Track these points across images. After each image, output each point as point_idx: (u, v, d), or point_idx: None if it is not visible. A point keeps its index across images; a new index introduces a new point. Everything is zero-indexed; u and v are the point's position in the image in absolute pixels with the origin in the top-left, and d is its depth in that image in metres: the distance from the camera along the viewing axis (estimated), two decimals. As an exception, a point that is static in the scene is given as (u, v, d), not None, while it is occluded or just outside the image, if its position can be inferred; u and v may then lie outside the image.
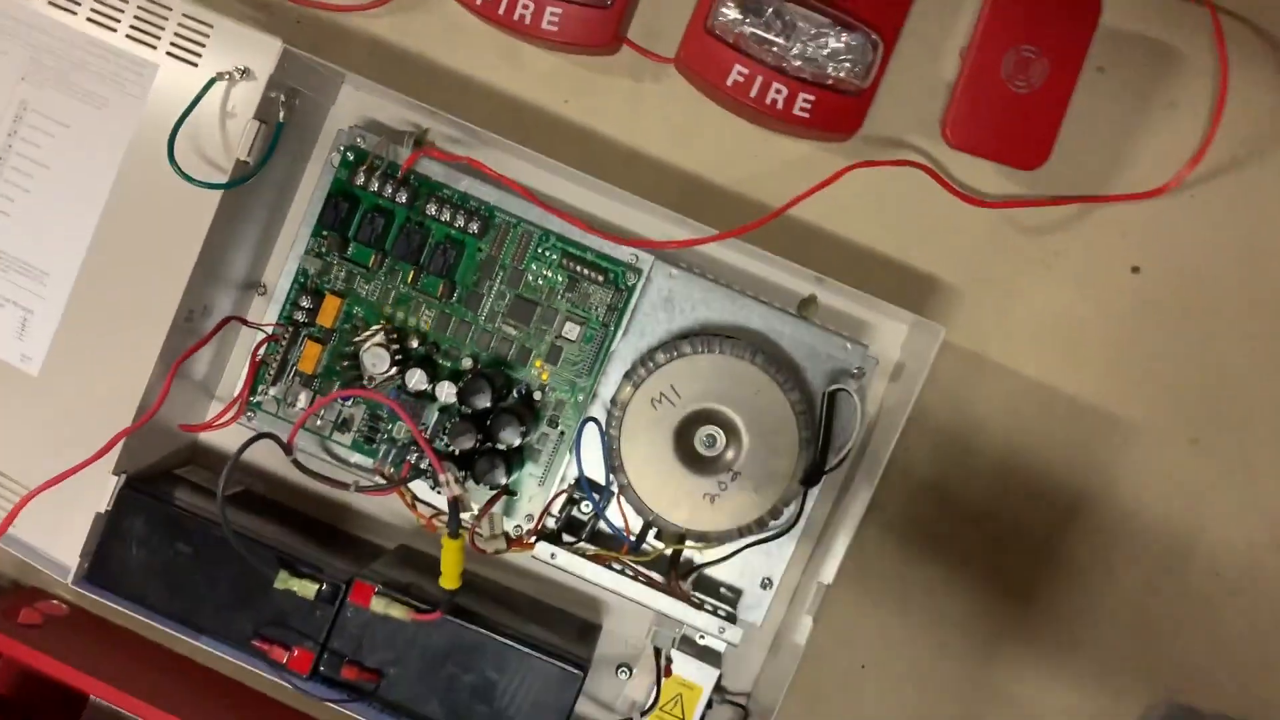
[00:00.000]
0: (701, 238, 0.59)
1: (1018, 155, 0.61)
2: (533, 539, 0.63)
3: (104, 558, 0.60)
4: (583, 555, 0.62)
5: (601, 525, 0.64)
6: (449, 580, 0.56)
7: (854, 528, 0.59)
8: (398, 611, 0.58)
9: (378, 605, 0.58)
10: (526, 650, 0.59)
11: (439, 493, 0.62)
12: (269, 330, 0.63)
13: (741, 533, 0.62)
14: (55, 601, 0.69)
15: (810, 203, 0.63)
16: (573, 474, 0.64)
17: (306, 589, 0.58)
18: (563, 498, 0.64)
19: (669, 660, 0.64)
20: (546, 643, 0.60)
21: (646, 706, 0.64)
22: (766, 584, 0.65)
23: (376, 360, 0.62)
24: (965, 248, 0.64)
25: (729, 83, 0.62)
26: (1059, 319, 0.64)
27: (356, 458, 0.64)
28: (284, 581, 0.58)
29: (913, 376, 0.61)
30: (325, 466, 0.64)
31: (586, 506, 0.64)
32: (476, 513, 0.63)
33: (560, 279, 0.63)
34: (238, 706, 0.66)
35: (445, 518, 0.64)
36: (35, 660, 0.60)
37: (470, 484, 0.61)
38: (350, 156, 0.62)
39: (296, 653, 0.59)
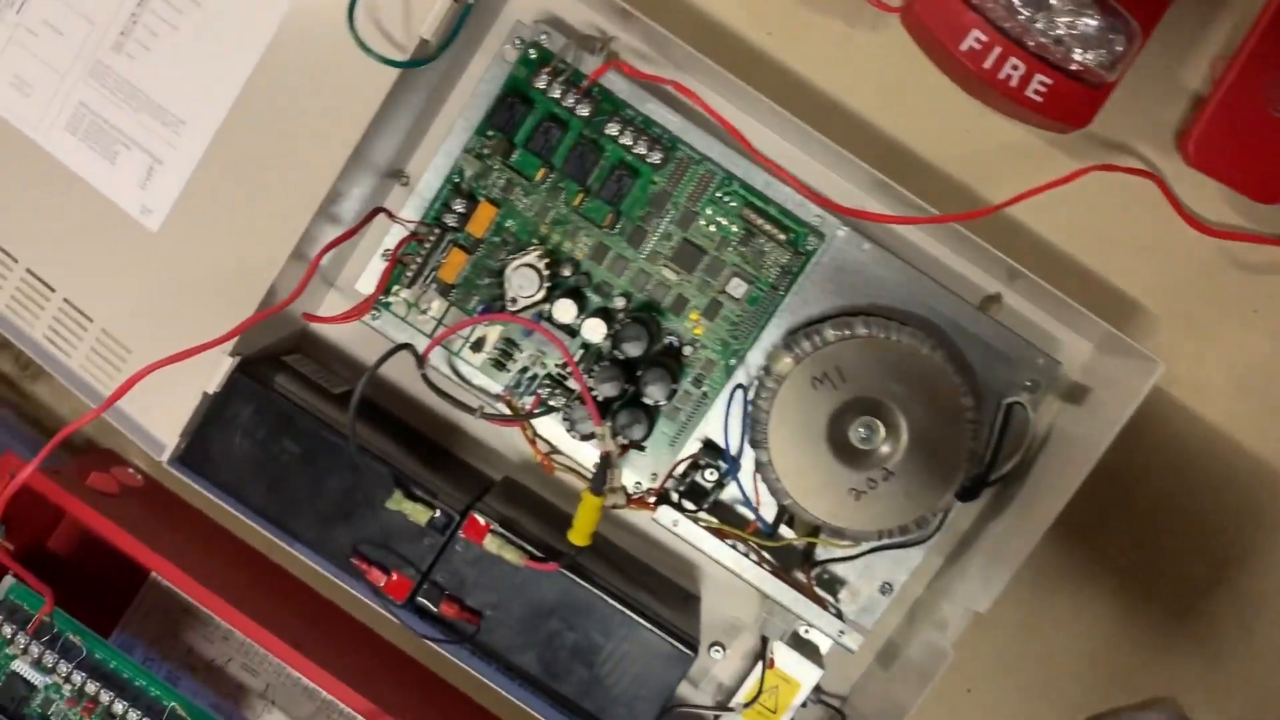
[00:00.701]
0: (913, 216, 0.53)
1: (1259, 186, 0.56)
2: (653, 500, 0.59)
3: (204, 441, 0.56)
4: (706, 527, 0.58)
5: (723, 499, 0.60)
6: (579, 536, 0.52)
7: (1023, 556, 0.54)
8: (511, 555, 0.54)
9: (491, 544, 0.54)
10: (639, 620, 0.55)
11: (574, 437, 0.58)
12: (414, 229, 0.58)
13: (881, 535, 0.58)
14: (131, 471, 0.64)
15: (1012, 192, 0.57)
16: (709, 438, 0.59)
17: (419, 514, 0.54)
18: (686, 462, 0.59)
19: (773, 652, 0.60)
20: (659, 615, 0.56)
21: (738, 692, 0.61)
22: (886, 589, 0.61)
23: (525, 283, 0.57)
24: (1175, 274, 0.59)
25: (962, 47, 0.56)
26: (1257, 368, 0.59)
27: (483, 380, 0.59)
28: (397, 502, 0.54)
29: (1101, 405, 0.56)
30: (450, 386, 0.59)
31: (711, 475, 0.59)
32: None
33: (736, 229, 0.57)
34: (306, 613, 0.63)
35: (562, 456, 0.60)
36: (101, 526, 0.56)
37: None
38: (532, 55, 0.56)
39: (395, 577, 0.55)
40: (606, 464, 0.49)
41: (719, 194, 0.57)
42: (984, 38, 0.55)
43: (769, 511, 0.59)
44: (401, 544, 0.55)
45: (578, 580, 0.55)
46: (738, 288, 0.57)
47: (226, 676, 0.65)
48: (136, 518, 0.60)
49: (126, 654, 0.63)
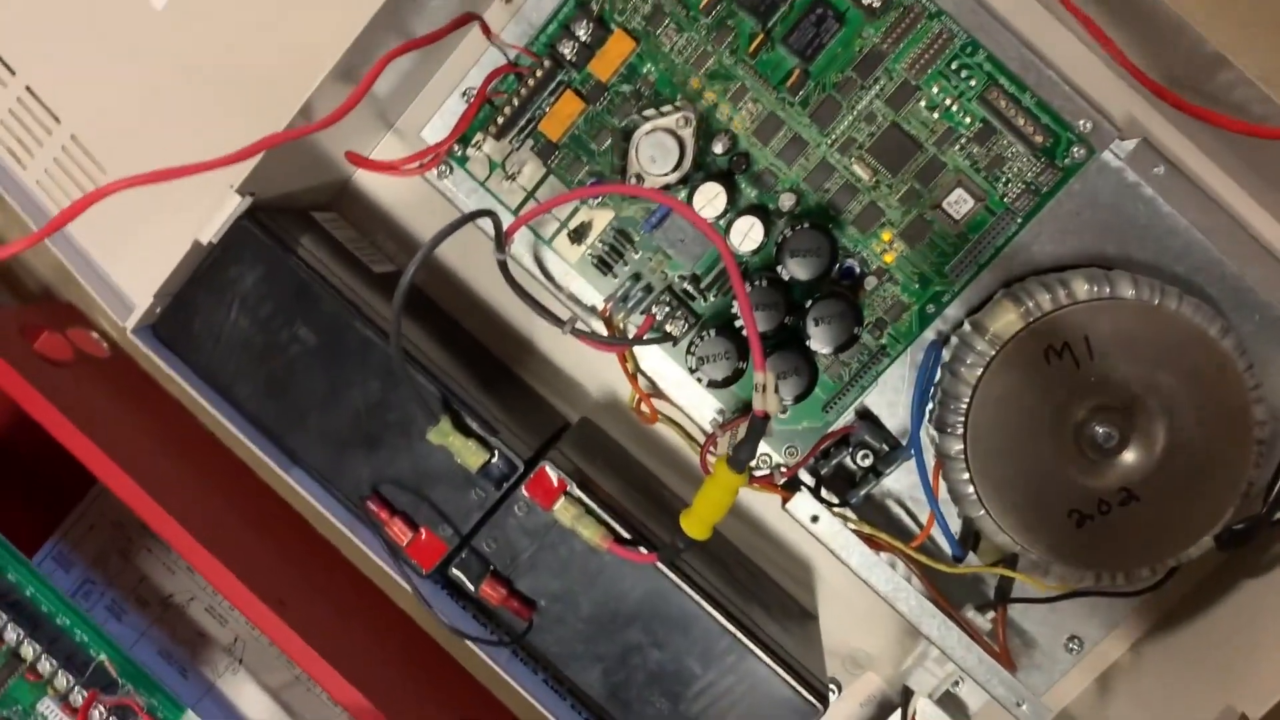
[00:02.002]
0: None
1: None
2: (783, 482, 0.43)
3: (188, 309, 0.40)
4: (856, 532, 0.42)
5: (885, 496, 0.44)
6: (698, 526, 0.36)
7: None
8: (590, 531, 0.38)
9: (564, 512, 0.38)
10: (757, 651, 0.39)
11: (699, 380, 0.41)
12: (514, 58, 0.41)
13: (1100, 578, 0.41)
14: (95, 336, 0.49)
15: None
16: (869, 409, 0.43)
17: (471, 454, 0.38)
18: (837, 438, 0.43)
19: (915, 711, 0.44)
20: (783, 646, 0.40)
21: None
22: (1073, 646, 0.45)
23: (659, 154, 0.40)
24: None
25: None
26: None
27: (578, 284, 0.43)
28: (442, 434, 0.38)
29: None
30: (533, 285, 0.43)
31: (865, 459, 0.43)
32: (723, 421, 0.43)
33: (970, 120, 0.40)
34: (300, 557, 0.47)
35: (666, 404, 0.43)
36: (35, 406, 0.41)
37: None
38: None
39: (424, 535, 0.39)
40: (761, 430, 0.33)
41: (954, 66, 0.40)
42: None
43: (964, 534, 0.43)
44: (439, 491, 0.39)
45: (678, 582, 0.39)
46: (960, 203, 0.40)
47: (186, 619, 0.50)
48: (88, 400, 0.44)
49: (60, 572, 0.48)
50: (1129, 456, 0.40)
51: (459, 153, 0.43)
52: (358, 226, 0.47)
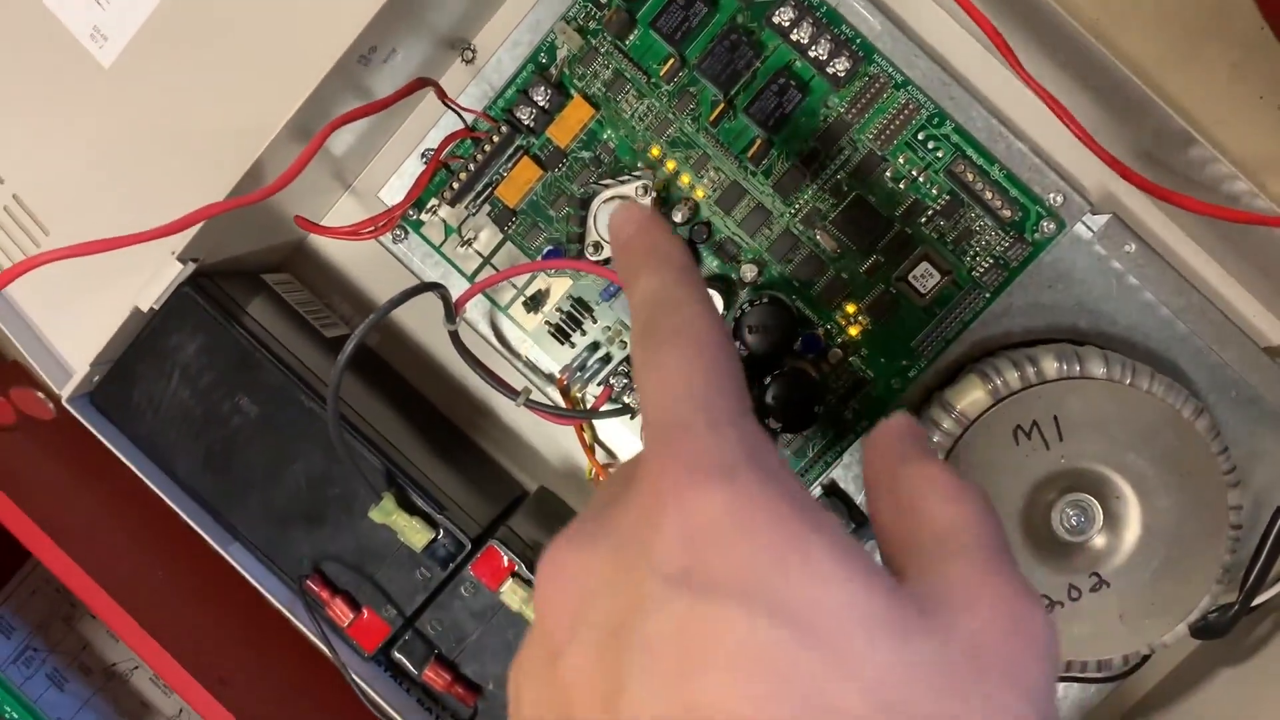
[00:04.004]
0: (1245, 211, 0.35)
1: None
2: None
3: (126, 377, 0.38)
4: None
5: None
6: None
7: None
8: (538, 615, 0.36)
9: (511, 595, 0.37)
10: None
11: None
12: (472, 122, 0.40)
13: (1071, 666, 0.40)
14: (41, 397, 0.47)
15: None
16: (836, 483, 0.41)
17: (416, 533, 0.37)
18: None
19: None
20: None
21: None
22: (1047, 730, 0.43)
23: (618, 221, 0.39)
24: None
25: (1324, -25, 0.37)
26: None
27: (534, 353, 0.42)
28: (385, 513, 0.36)
29: None
30: (488, 354, 0.42)
31: (831, 533, 0.41)
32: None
33: (939, 192, 0.39)
34: (248, 633, 0.46)
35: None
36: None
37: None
38: (682, -107, 0.38)
39: (366, 615, 0.38)
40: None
41: (921, 136, 0.39)
42: (1362, -37, 0.37)
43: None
44: (384, 570, 0.38)
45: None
46: (926, 277, 0.39)
47: (129, 689, 0.48)
48: (29, 466, 0.43)
49: (1, 638, 0.47)
50: (1099, 541, 0.38)
51: (414, 217, 0.41)
52: (312, 288, 0.46)
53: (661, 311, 0.22)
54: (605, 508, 0.20)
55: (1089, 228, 0.39)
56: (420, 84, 0.38)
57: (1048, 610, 0.24)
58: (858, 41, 0.38)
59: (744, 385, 0.21)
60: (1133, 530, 0.38)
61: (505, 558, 0.37)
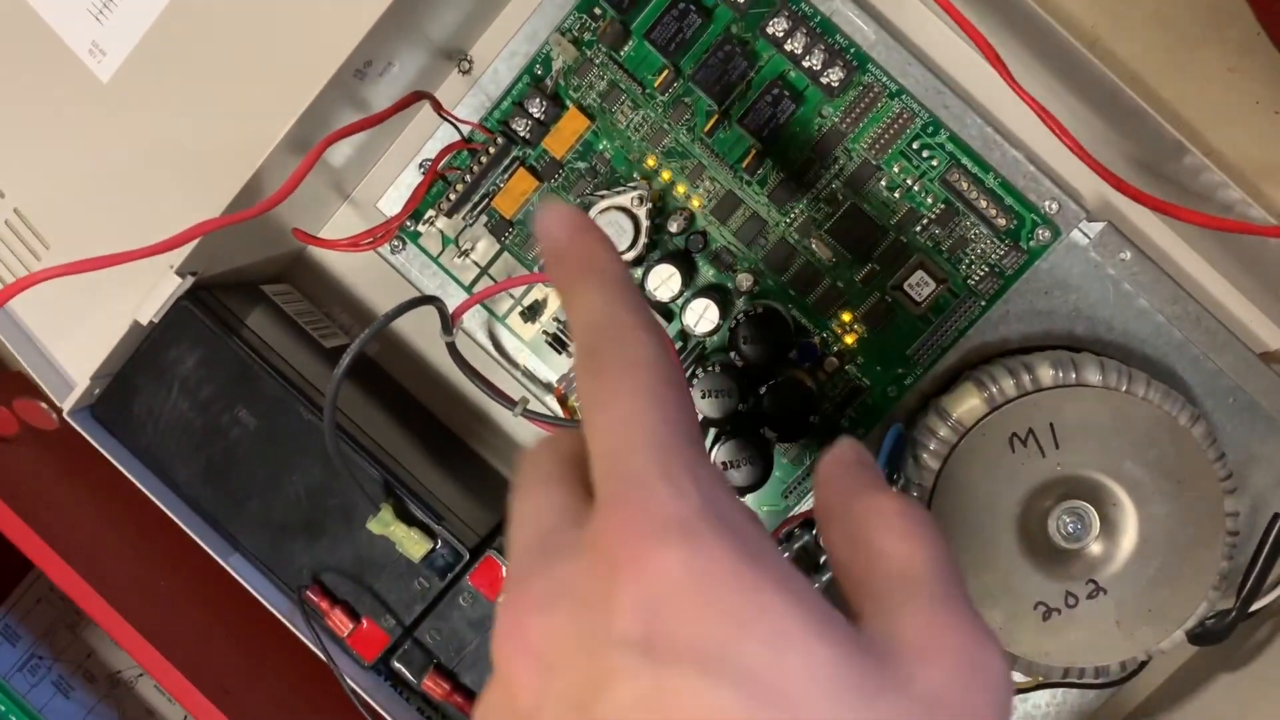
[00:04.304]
0: (1239, 221, 0.35)
1: None
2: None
3: (127, 390, 0.39)
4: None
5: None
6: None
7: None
8: (536, 625, 0.37)
9: (509, 605, 0.37)
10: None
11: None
12: (468, 134, 0.40)
13: (1068, 673, 0.40)
14: (44, 407, 0.48)
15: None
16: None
17: (414, 544, 0.37)
18: (798, 523, 0.42)
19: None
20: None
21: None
22: (1044, 735, 0.43)
23: (613, 233, 0.39)
24: None
25: (1318, -19, 0.37)
26: None
27: (532, 362, 0.42)
28: (383, 525, 0.37)
29: None
30: (486, 364, 0.42)
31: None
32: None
33: (934, 200, 0.39)
34: (250, 643, 0.46)
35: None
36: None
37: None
38: (675, -96, 0.38)
39: (365, 625, 0.38)
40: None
41: (916, 145, 0.39)
42: (1356, -30, 0.37)
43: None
44: (383, 580, 0.38)
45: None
46: (922, 285, 0.39)
47: (133, 696, 0.49)
48: (32, 477, 0.43)
49: (7, 646, 0.47)
50: (1096, 548, 0.39)
51: (412, 228, 0.42)
52: (311, 298, 0.46)
53: (606, 339, 0.21)
54: (559, 558, 0.20)
55: (1085, 234, 0.39)
56: (415, 98, 0.38)
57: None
58: (852, 51, 0.38)
59: (695, 421, 0.21)
60: (1129, 537, 0.38)
61: (503, 569, 0.37)
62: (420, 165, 0.42)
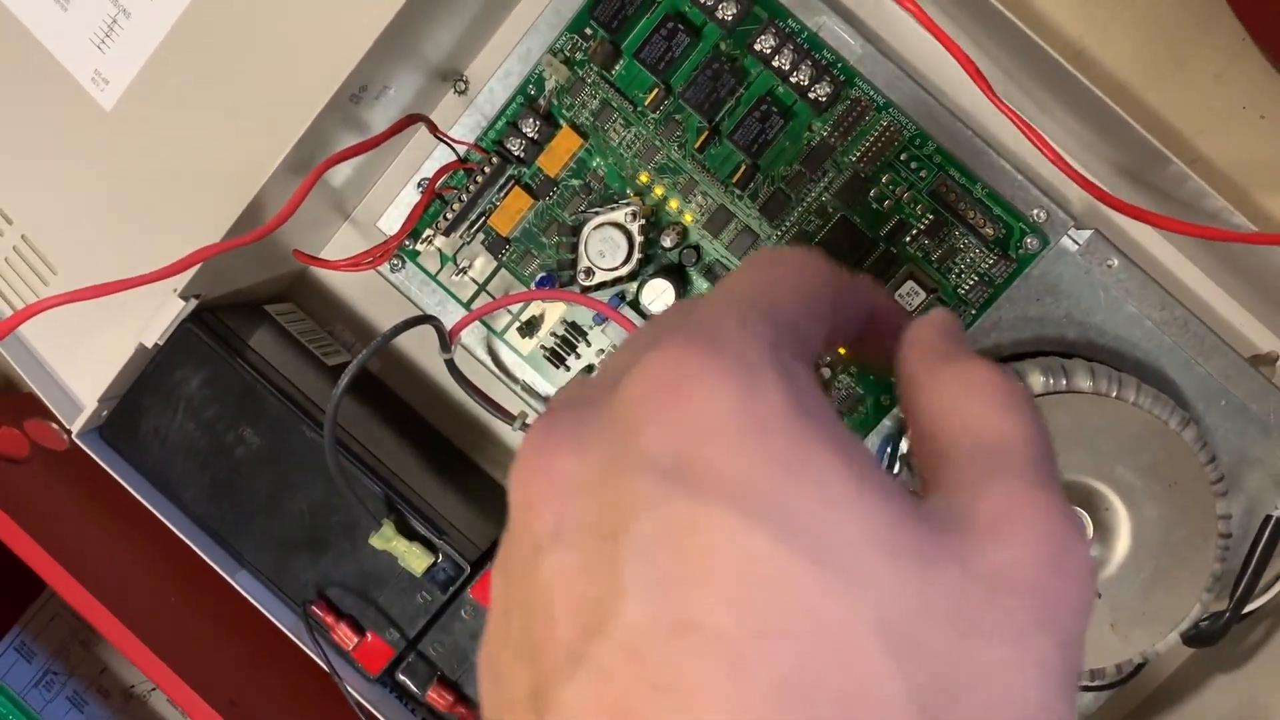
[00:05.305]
0: (1222, 229, 0.35)
1: None
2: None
3: (134, 411, 0.39)
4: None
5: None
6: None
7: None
8: (537, 636, 0.37)
9: (511, 617, 0.38)
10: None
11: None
12: (464, 154, 0.41)
13: (1064, 675, 0.40)
14: (55, 428, 0.49)
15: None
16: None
17: (416, 558, 0.38)
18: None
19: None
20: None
21: None
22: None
23: (608, 249, 0.40)
24: None
25: (1299, -12, 0.37)
26: None
27: (531, 376, 0.43)
28: (385, 540, 0.37)
29: None
30: (486, 379, 0.43)
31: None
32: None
33: (923, 211, 0.40)
34: (259, 656, 0.47)
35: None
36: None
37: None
38: (663, -75, 0.39)
39: (370, 638, 0.39)
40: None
41: (905, 158, 0.39)
42: (1337, -24, 0.37)
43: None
44: (386, 594, 0.39)
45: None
46: (912, 295, 0.40)
47: (147, 710, 0.50)
48: (43, 497, 0.44)
49: (23, 663, 0.48)
50: (1090, 552, 0.39)
51: (410, 247, 0.42)
52: (314, 316, 0.47)
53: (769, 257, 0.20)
54: (598, 391, 0.18)
55: (1074, 241, 0.40)
56: (411, 120, 0.38)
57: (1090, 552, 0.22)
58: (838, 66, 0.39)
59: (821, 312, 0.19)
60: (1123, 541, 0.39)
61: (503, 580, 0.38)
62: (418, 184, 0.43)
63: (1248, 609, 0.40)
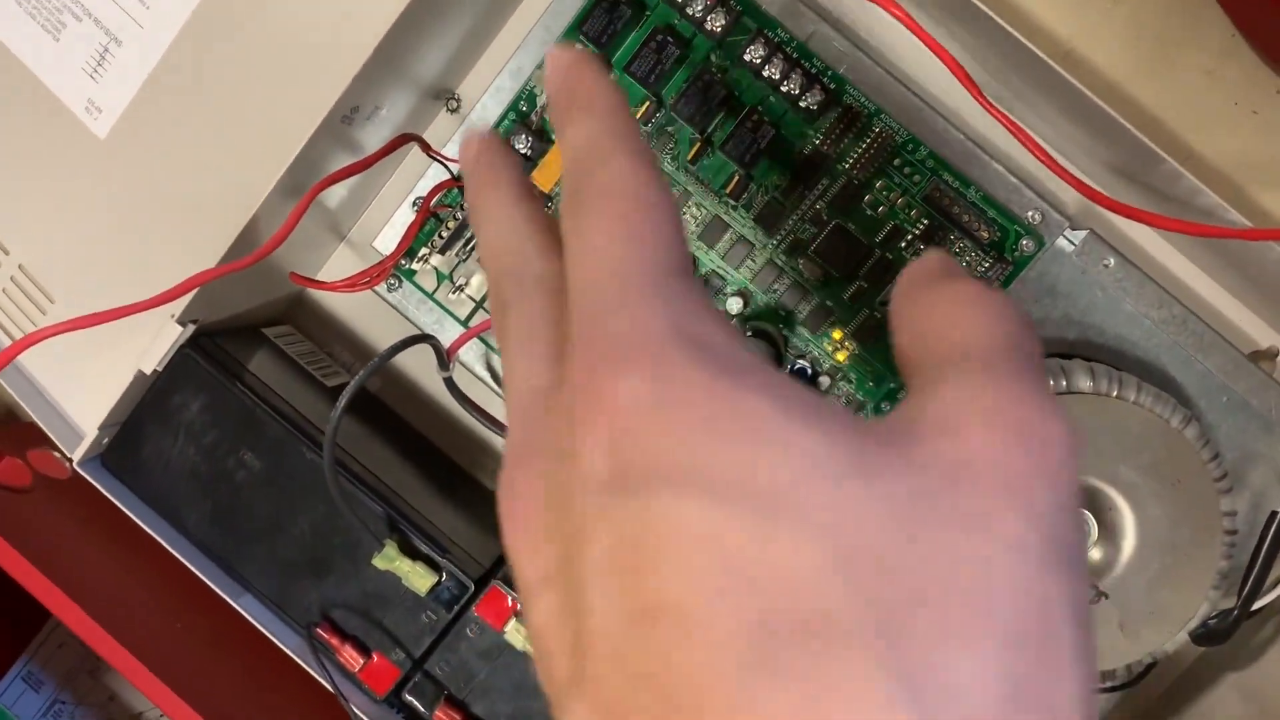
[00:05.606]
0: (1216, 226, 0.35)
1: None
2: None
3: (134, 437, 0.39)
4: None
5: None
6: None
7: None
8: (543, 653, 0.37)
9: (515, 635, 0.38)
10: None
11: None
12: (457, 171, 0.41)
13: (1074, 678, 0.40)
14: (57, 456, 0.49)
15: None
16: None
17: (420, 578, 0.37)
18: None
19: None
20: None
21: None
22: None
23: (604, 261, 0.40)
24: None
25: (1287, -17, 0.37)
26: None
27: (529, 393, 0.43)
28: (389, 560, 0.37)
29: None
30: (485, 396, 0.43)
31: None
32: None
33: (918, 215, 0.40)
34: (268, 681, 0.47)
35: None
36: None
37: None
38: (649, -62, 0.39)
39: (376, 659, 0.39)
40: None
41: (898, 164, 0.39)
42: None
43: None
44: (391, 614, 0.39)
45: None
46: (908, 302, 0.40)
47: (156, 737, 0.50)
48: (47, 526, 0.44)
49: (30, 693, 0.48)
50: (1096, 553, 0.39)
51: (407, 266, 0.42)
52: (313, 337, 0.47)
53: (586, 169, 0.20)
54: (538, 410, 0.19)
55: (1070, 241, 0.40)
56: (403, 140, 0.39)
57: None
58: (829, 74, 0.39)
59: (677, 240, 0.19)
60: (1128, 541, 0.39)
61: (509, 598, 0.38)
62: (413, 203, 0.43)
63: (1256, 606, 0.40)
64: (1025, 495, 0.15)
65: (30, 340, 0.34)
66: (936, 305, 0.19)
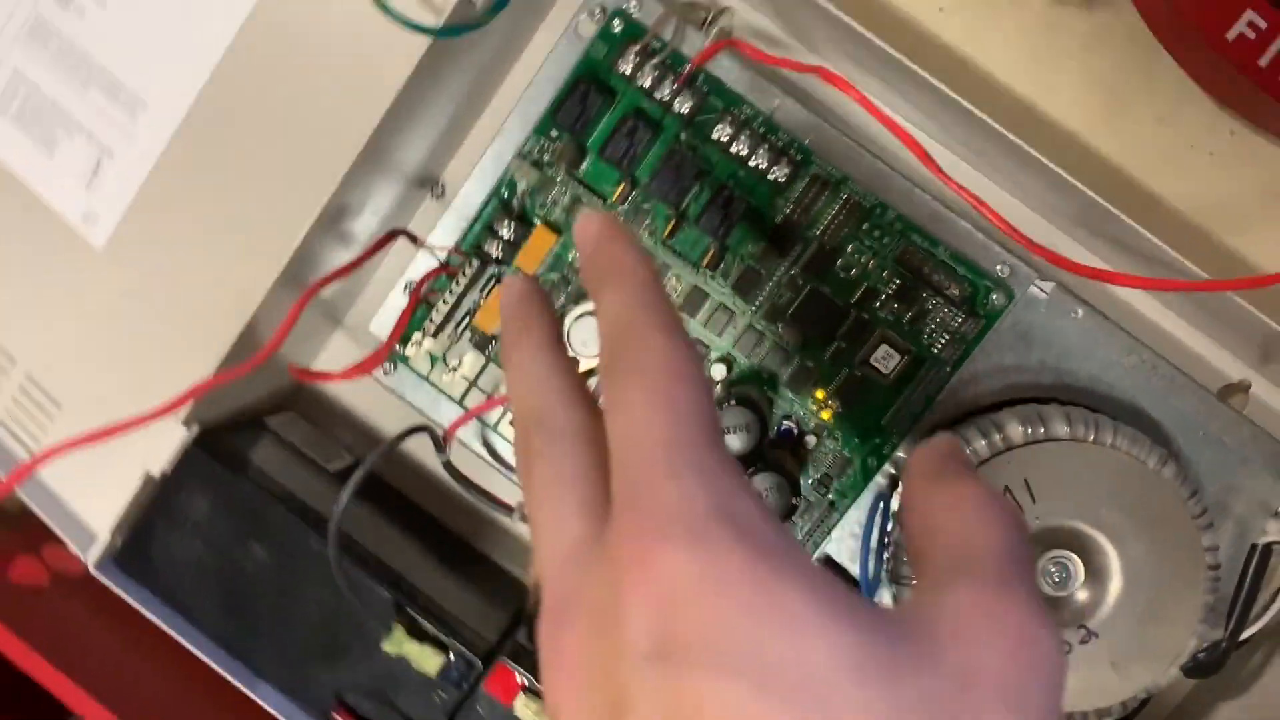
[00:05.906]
0: (1172, 279, 0.37)
1: None
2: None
3: (146, 537, 0.41)
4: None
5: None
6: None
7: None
8: (552, 725, 0.38)
9: (525, 709, 0.39)
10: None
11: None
12: (445, 258, 0.43)
13: (1069, 717, 0.41)
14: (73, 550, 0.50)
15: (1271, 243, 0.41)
16: (830, 556, 0.43)
17: (428, 659, 0.39)
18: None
19: None
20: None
21: None
22: (1063, 777, 0.44)
23: (590, 338, 0.41)
24: None
25: (1229, 36, 0.39)
26: None
27: (526, 467, 0.44)
28: (397, 644, 0.38)
29: None
30: (483, 472, 0.44)
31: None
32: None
33: (890, 276, 0.41)
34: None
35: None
36: (11, 647, 0.42)
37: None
38: (616, 28, 0.41)
39: (390, 740, 0.40)
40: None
41: (867, 228, 0.41)
42: (1262, 23, 0.39)
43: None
44: (403, 695, 0.40)
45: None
46: (887, 359, 0.41)
47: (180, 823, 0.50)
48: (64, 624, 0.45)
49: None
50: (1083, 594, 0.40)
51: (400, 351, 0.44)
52: (315, 422, 0.48)
53: (622, 343, 0.21)
54: (579, 568, 0.20)
55: (1042, 290, 0.41)
56: (390, 237, 0.40)
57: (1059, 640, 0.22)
58: (795, 146, 0.40)
59: (710, 410, 0.20)
60: (1115, 581, 0.40)
61: (516, 674, 0.39)
62: (406, 287, 0.44)
63: (1244, 636, 0.41)
64: (1025, 703, 0.18)
65: (42, 458, 0.36)
66: (947, 507, 0.21)
